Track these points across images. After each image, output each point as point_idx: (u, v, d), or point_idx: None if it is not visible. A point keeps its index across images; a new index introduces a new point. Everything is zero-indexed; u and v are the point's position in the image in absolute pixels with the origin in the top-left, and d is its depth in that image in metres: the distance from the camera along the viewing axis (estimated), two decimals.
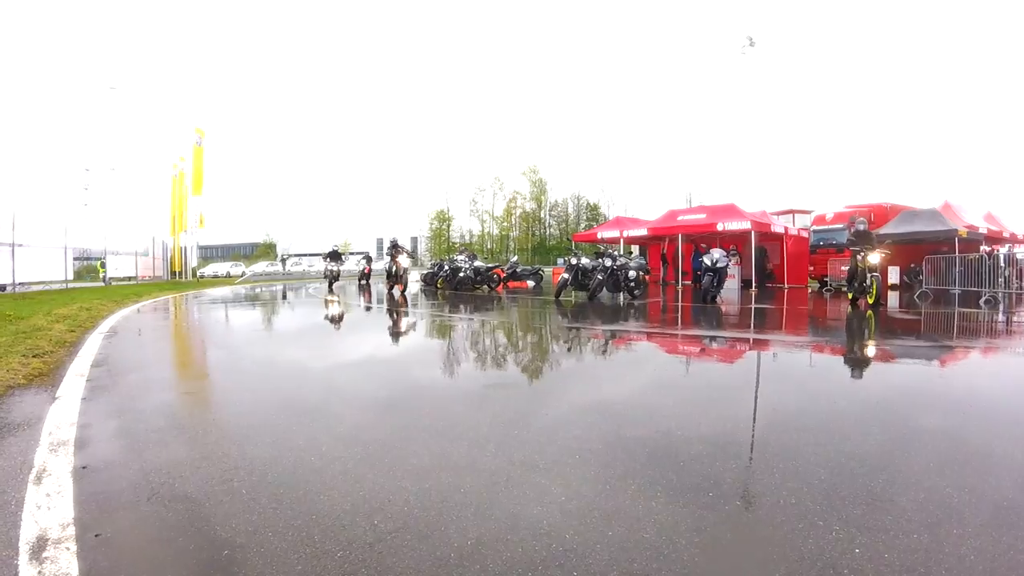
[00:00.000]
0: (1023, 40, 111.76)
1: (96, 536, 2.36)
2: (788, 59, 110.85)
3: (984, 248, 18.53)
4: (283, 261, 58.42)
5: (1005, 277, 16.70)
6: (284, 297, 20.65)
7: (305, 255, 76.28)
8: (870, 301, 13.13)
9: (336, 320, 12.40)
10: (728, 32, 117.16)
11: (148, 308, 14.75)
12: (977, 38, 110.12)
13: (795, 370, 6.23)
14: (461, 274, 22.42)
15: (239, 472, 3.01)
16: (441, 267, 25.04)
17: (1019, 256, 18.83)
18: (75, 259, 31.87)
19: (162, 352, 8.00)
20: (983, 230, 20.06)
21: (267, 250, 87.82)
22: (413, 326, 10.86)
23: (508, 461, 3.15)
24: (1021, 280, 17.38)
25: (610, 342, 8.13)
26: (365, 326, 11.32)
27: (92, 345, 7.59)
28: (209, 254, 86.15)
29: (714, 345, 7.88)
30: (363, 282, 26.16)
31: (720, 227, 21.98)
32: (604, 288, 16.50)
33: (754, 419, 4.07)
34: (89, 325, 9.90)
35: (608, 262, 16.43)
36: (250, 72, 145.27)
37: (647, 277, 18.57)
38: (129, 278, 34.30)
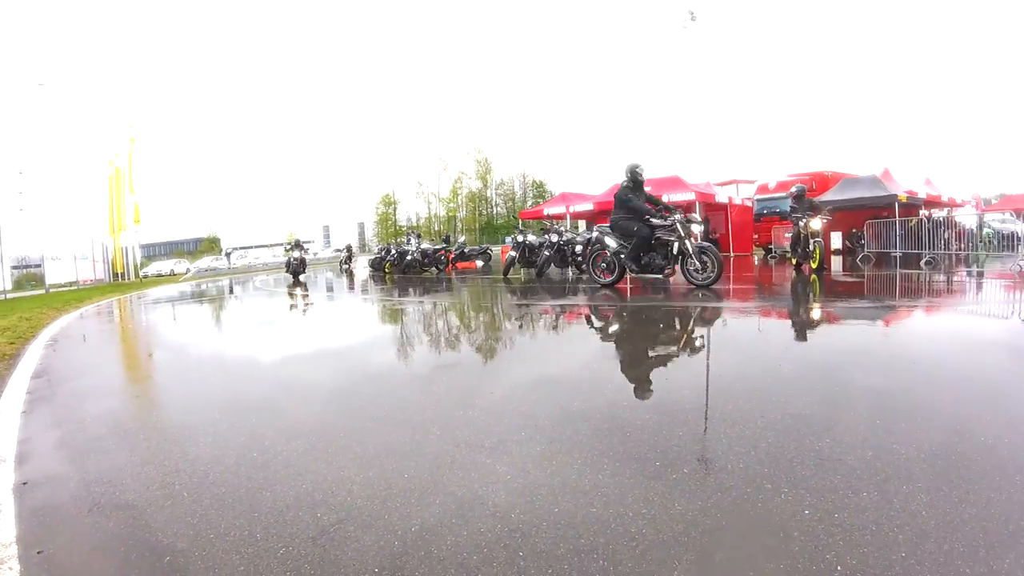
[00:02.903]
0: (961, 10, 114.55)
1: (39, 553, 2.28)
2: (729, 32, 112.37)
3: (923, 212, 19.01)
4: (228, 255, 57.29)
5: (944, 240, 17.16)
6: (230, 292, 20.21)
7: (251, 248, 75.09)
8: (813, 266, 13.41)
9: (281, 311, 12.19)
10: (670, 6, 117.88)
11: (91, 313, 14.31)
12: (916, 7, 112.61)
13: (741, 335, 6.28)
14: (408, 257, 22.30)
15: (180, 475, 2.92)
16: (388, 251, 24.89)
17: (957, 219, 19.41)
18: (12, 268, 30.90)
19: (103, 358, 7.75)
20: (922, 195, 20.59)
21: (211, 244, 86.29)
22: (359, 312, 10.73)
23: (453, 443, 3.11)
24: (960, 242, 17.89)
25: (558, 317, 8.12)
26: (310, 315, 11.14)
27: (32, 356, 7.32)
28: (151, 252, 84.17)
29: (660, 315, 7.91)
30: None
31: (665, 198, 22.08)
32: (552, 264, 16.54)
33: (703, 386, 4.09)
34: (29, 335, 9.55)
35: (554, 238, 16.48)
36: (185, 64, 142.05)
37: None
38: (70, 283, 33.29)
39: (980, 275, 12.77)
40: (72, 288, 30.78)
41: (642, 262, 10.80)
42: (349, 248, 32.17)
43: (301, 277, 24.58)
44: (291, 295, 16.18)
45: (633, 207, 10.85)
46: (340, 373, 5.39)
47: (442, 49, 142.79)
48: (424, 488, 2.58)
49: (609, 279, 11.43)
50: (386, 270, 24.05)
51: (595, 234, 11.84)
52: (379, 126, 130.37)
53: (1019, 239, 17.00)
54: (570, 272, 16.78)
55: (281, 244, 79.54)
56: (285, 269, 26.83)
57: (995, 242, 19.28)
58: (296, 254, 25.10)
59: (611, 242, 11.22)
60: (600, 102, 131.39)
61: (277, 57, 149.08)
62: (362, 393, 4.46)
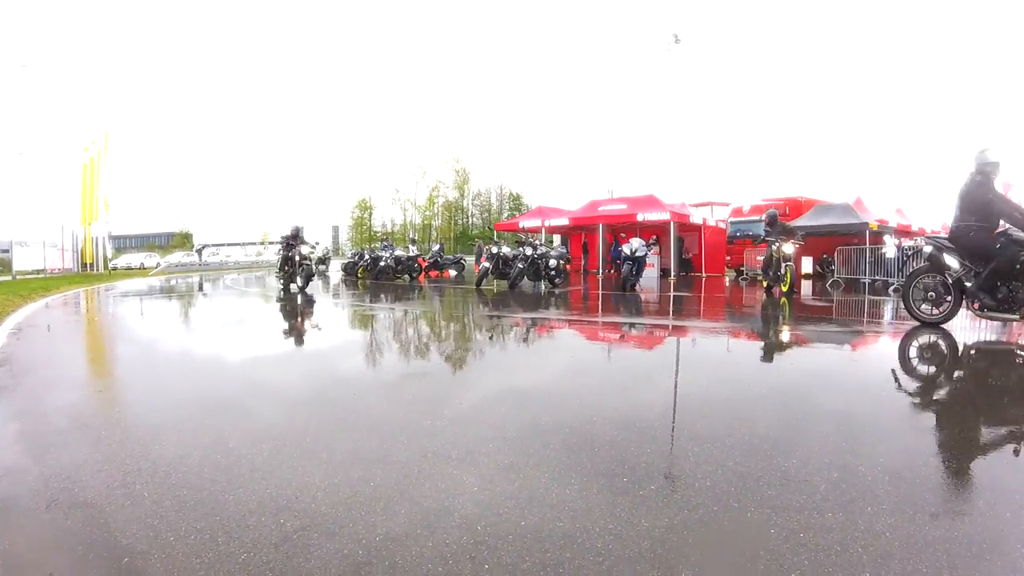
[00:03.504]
0: (937, 42, 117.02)
1: None
2: (710, 56, 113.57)
3: (894, 240, 19.32)
4: (200, 251, 56.53)
5: (912, 266, 17.37)
6: (200, 289, 19.93)
7: (223, 245, 74.23)
8: (784, 289, 13.56)
9: (252, 313, 12.06)
10: (654, 29, 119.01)
11: (57, 303, 14.05)
12: (890, 39, 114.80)
13: (710, 355, 6.33)
14: (382, 263, 22.19)
15: (142, 474, 2.86)
16: (362, 256, 24.75)
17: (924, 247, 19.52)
18: None
19: (69, 349, 7.59)
20: (893, 223, 21.07)
21: (183, 240, 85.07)
22: (331, 317, 10.66)
23: (421, 453, 3.08)
24: None
25: (529, 330, 8.12)
26: (281, 318, 11.03)
27: None
28: (122, 244, 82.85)
29: (632, 332, 7.97)
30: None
31: (640, 217, 22.36)
32: (525, 277, 16.57)
33: (670, 404, 4.11)
34: None
35: (528, 251, 16.52)
36: (170, 58, 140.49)
37: (568, 266, 18.72)
38: (38, 271, 32.66)
39: None
40: (40, 276, 30.13)
41: (999, 295, 7.30)
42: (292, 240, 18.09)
43: (300, 285, 16.89)
44: (265, 297, 16.00)
45: (999, 210, 7.32)
46: (309, 377, 5.34)
47: (426, 57, 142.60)
48: (390, 497, 2.56)
49: (938, 315, 7.94)
50: (359, 275, 23.91)
51: (927, 248, 8.14)
52: (358, 131, 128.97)
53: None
54: (543, 286, 16.83)
55: (254, 243, 78.80)
56: (279, 273, 17.73)
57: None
58: (304, 250, 17.14)
59: (952, 261, 7.71)
60: (580, 119, 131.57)
61: (260, 57, 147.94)
62: (331, 399, 4.41)
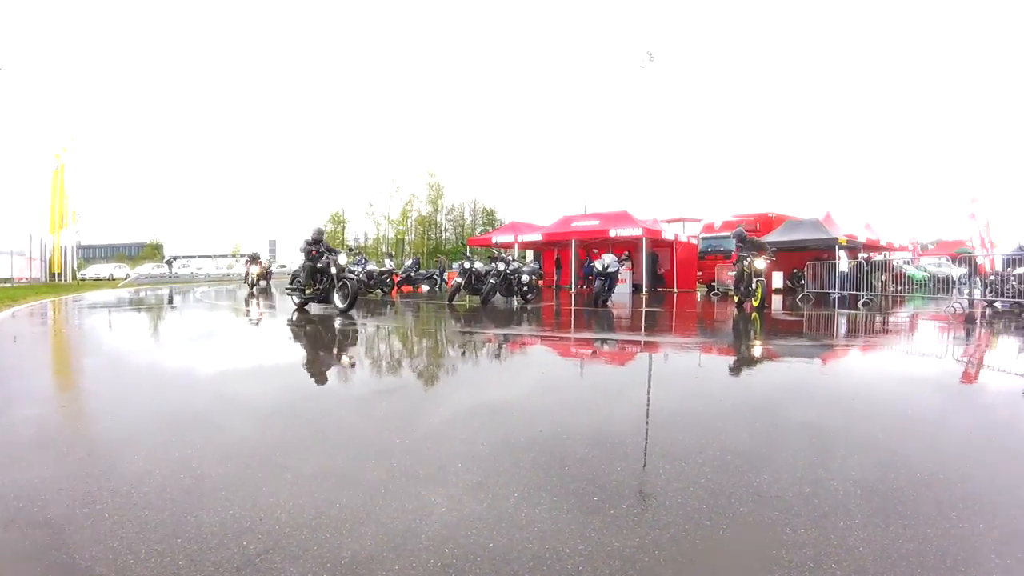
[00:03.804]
0: (904, 63, 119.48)
1: None
2: (683, 73, 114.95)
3: (863, 255, 19.66)
4: (170, 263, 55.88)
5: (882, 281, 17.79)
6: (170, 302, 19.63)
7: (194, 257, 73.43)
8: (755, 304, 13.68)
9: (220, 325, 11.90)
10: (629, 46, 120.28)
11: (23, 314, 13.78)
12: (858, 57, 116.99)
13: (682, 371, 6.34)
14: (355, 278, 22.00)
15: (103, 493, 2.78)
16: None
17: (894, 262, 20.37)
18: None
19: (34, 362, 7.42)
20: (862, 239, 21.51)
21: (153, 251, 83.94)
22: (300, 331, 10.53)
23: (388, 472, 3.03)
24: (896, 284, 18.65)
25: (502, 346, 8.09)
26: (250, 332, 10.90)
27: None
28: (91, 254, 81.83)
29: (604, 348, 7.95)
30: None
31: (613, 233, 22.40)
32: (497, 292, 16.54)
33: (641, 420, 4.09)
34: None
35: (501, 266, 16.51)
36: (143, 65, 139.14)
37: (540, 281, 18.73)
38: (5, 280, 32.06)
39: (916, 316, 13.42)
40: (6, 285, 29.58)
41: None
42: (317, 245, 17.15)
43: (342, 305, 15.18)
44: (235, 310, 15.81)
45: None
46: (276, 393, 5.23)
47: (401, 71, 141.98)
48: (356, 518, 2.50)
49: None
50: None
51: None
52: (332, 144, 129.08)
53: (953, 283, 17.70)
54: (515, 301, 16.81)
55: (226, 256, 78.02)
56: (298, 289, 14.75)
57: (930, 285, 20.05)
58: (342, 260, 14.47)
59: None
60: (555, 134, 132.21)
61: (237, 70, 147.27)
62: (299, 417, 4.32)
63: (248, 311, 15.00)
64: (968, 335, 9.89)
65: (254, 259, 27.30)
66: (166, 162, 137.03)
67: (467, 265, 16.78)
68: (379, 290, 22.35)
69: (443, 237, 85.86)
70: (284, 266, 61.50)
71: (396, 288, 23.75)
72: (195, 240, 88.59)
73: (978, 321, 12.33)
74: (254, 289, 25.24)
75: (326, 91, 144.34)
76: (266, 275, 28.26)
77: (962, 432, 3.93)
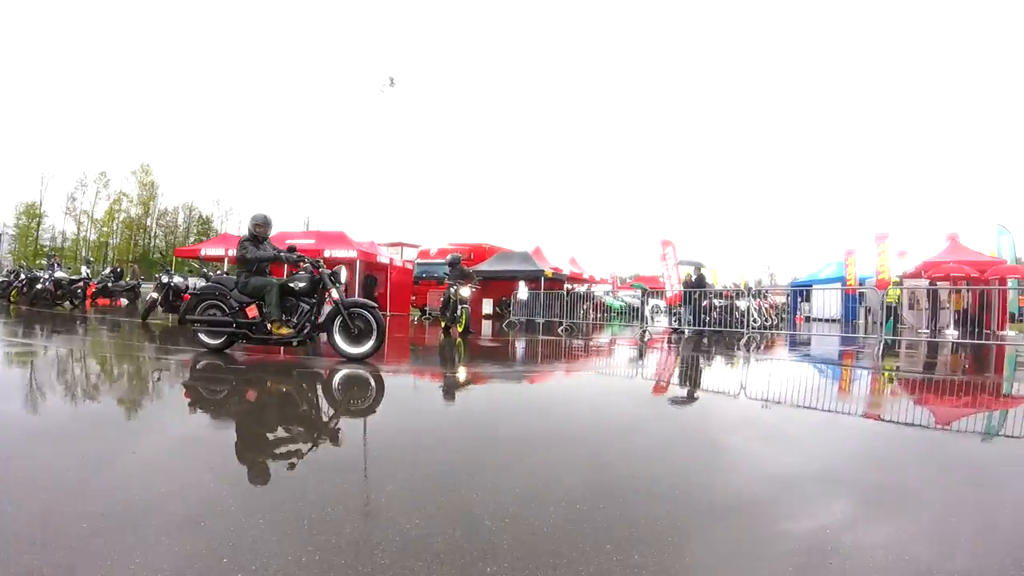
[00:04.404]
0: (612, 105, 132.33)
1: None
2: (422, 98, 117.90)
3: (567, 286, 21.28)
4: None
5: (584, 309, 19.54)
6: None
7: None
8: (460, 329, 14.41)
9: None
10: (371, 69, 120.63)
11: None
12: (565, 94, 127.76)
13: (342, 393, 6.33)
14: (39, 286, 19.28)
15: None
16: (18, 275, 21.53)
17: (596, 293, 22.79)
18: None
19: None
20: (567, 271, 23.36)
21: None
22: None
23: None
24: (597, 312, 20.78)
25: (196, 365, 7.51)
26: None
27: None
28: None
29: (294, 373, 7.68)
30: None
31: (327, 254, 22.03)
32: (158, 307, 15.31)
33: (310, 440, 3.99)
34: None
35: (164, 278, 15.42)
36: None
37: None
38: None
39: (610, 341, 15.18)
40: None
41: None
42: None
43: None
44: None
45: None
46: None
47: (110, 57, 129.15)
48: None
49: None
50: (12, 299, 20.58)
51: None
52: (36, 124, 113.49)
53: (646, 314, 19.99)
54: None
55: None
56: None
57: (626, 313, 22.76)
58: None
59: None
60: (281, 149, 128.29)
61: None
62: None
63: None
64: (646, 354, 11.49)
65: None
66: None
67: (164, 279, 15.43)
68: (68, 302, 19.78)
69: (152, 243, 78.64)
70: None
71: (91, 300, 21.16)
72: None
73: (663, 343, 14.55)
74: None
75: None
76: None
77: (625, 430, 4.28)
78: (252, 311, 8.24)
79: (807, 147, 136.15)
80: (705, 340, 15.29)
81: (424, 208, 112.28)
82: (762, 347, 13.79)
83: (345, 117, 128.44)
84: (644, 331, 16.08)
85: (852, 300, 22.46)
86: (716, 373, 9.29)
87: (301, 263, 8.45)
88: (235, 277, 8.57)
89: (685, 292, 16.88)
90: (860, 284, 20.96)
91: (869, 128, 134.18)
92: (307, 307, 8.31)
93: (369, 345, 8.15)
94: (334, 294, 8.29)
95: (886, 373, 9.37)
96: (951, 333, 17.16)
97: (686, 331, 16.79)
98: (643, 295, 18.93)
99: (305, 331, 8.28)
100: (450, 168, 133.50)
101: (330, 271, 8.49)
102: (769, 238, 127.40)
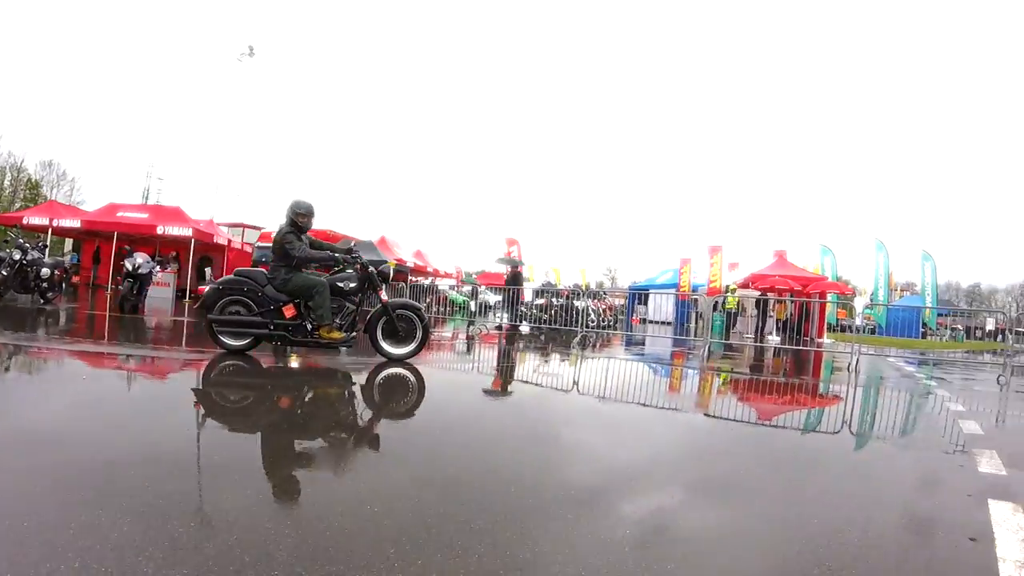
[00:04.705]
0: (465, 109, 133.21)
1: None
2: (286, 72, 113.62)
3: (412, 278, 21.21)
4: None
5: (428, 302, 19.63)
6: None
7: None
8: None
9: None
10: (228, 38, 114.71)
11: None
12: (413, 94, 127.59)
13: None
14: None
15: None
16: None
17: (440, 287, 23.16)
18: None
19: None
20: (411, 263, 23.17)
21: None
22: None
23: None
24: (440, 306, 20.94)
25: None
26: None
27: None
28: None
29: (125, 363, 6.91)
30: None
31: (160, 230, 20.60)
32: (9, 288, 13.71)
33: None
34: None
35: (17, 255, 13.74)
36: None
37: (77, 277, 16.18)
38: None
39: (453, 335, 15.61)
40: None
41: None
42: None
43: None
44: None
45: None
46: None
47: None
48: None
49: None
50: None
51: None
52: None
53: (489, 307, 20.12)
54: (39, 299, 14.14)
55: None
56: None
57: (471, 308, 22.54)
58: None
59: None
60: (123, 114, 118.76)
61: None
62: None
63: None
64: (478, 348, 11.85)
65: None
66: None
67: (16, 255, 13.55)
68: None
69: None
70: None
71: None
72: None
73: (500, 338, 15.07)
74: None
75: None
76: None
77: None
78: (290, 310, 7.39)
79: (655, 157, 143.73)
80: (542, 337, 15.67)
81: (273, 189, 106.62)
82: (597, 345, 14.25)
83: (202, 84, 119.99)
84: (472, 323, 16.99)
85: (685, 305, 23.62)
86: (545, 369, 9.63)
87: (358, 264, 7.75)
88: (265, 272, 7.60)
89: (504, 289, 17.50)
90: (693, 291, 22.26)
91: (711, 143, 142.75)
92: (352, 307, 7.75)
93: (412, 346, 8.02)
94: (383, 295, 7.83)
95: (720, 374, 10.16)
96: (774, 339, 18.62)
97: (524, 328, 17.04)
98: (472, 291, 19.16)
99: (353, 334, 7.77)
100: (306, 149, 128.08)
101: (377, 270, 7.83)
102: (614, 242, 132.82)
